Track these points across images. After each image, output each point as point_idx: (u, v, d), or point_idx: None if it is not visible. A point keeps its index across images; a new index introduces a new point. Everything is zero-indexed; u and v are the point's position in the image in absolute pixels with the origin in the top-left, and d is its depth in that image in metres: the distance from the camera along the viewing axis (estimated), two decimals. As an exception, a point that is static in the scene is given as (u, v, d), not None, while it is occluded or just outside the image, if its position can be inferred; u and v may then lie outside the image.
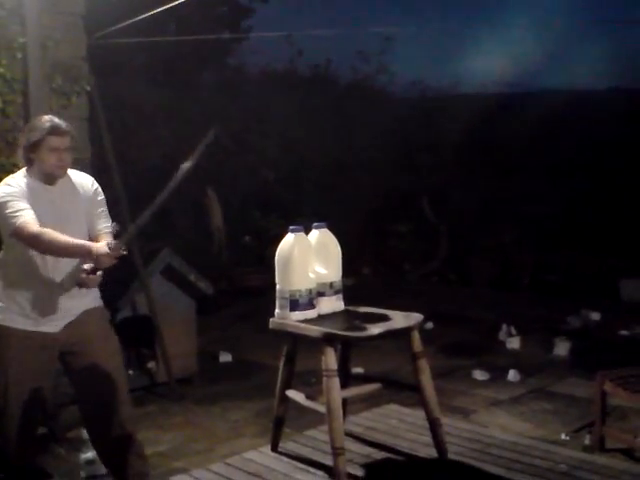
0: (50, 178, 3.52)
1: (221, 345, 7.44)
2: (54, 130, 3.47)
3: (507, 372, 6.48)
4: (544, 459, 3.73)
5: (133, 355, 6.11)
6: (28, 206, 3.40)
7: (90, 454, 4.51)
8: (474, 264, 10.26)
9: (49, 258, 3.47)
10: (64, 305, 3.55)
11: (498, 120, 10.88)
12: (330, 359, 3.34)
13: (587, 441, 4.96)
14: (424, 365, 3.60)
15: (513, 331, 7.65)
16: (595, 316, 8.22)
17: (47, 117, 3.58)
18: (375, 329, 3.45)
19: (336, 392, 3.33)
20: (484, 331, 7.91)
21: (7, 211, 3.39)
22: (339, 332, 3.44)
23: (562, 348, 7.14)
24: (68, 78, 5.26)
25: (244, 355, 7.25)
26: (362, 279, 10.35)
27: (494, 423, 5.40)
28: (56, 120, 3.54)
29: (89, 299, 3.66)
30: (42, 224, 3.37)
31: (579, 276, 9.33)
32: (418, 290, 9.63)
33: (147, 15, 6.33)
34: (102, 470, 4.23)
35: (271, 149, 9.90)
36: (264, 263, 9.82)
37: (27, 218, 3.37)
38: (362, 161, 10.75)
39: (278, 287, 3.63)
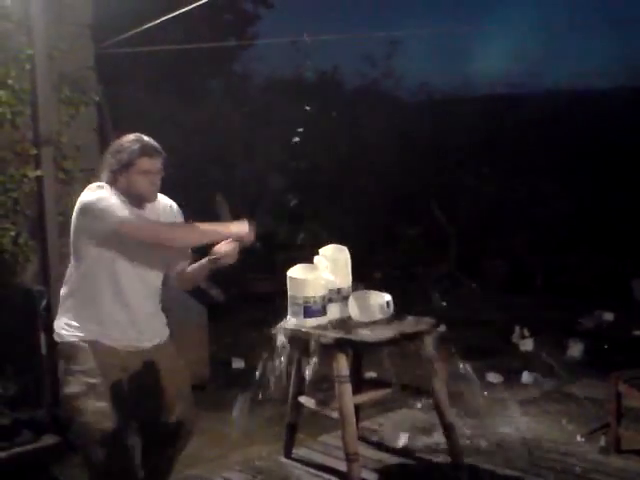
0: (138, 201, 3.24)
1: (233, 351, 7.41)
2: (146, 151, 3.18)
3: (521, 374, 6.43)
4: (559, 461, 3.71)
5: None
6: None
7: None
8: (485, 266, 10.22)
9: (128, 278, 3.22)
10: (144, 327, 3.30)
11: (506, 121, 10.85)
12: (342, 365, 3.34)
13: (603, 443, 4.89)
14: (437, 370, 3.59)
15: (526, 333, 7.59)
16: (608, 316, 8.15)
17: (135, 136, 3.25)
18: (387, 334, 3.44)
19: (348, 398, 3.32)
20: (497, 334, 7.86)
21: (106, 205, 3.08)
22: (351, 337, 3.43)
23: (576, 349, 7.08)
24: (76, 88, 5.26)
25: (256, 361, 7.21)
26: (373, 284, 10.32)
27: (508, 426, 5.36)
28: (146, 139, 3.23)
29: (163, 326, 3.47)
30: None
31: (591, 277, 9.28)
32: (429, 293, 9.59)
33: (153, 24, 6.34)
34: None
35: (279, 155, 9.90)
36: (274, 269, 9.84)
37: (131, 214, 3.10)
38: (371, 165, 10.74)
39: (291, 293, 3.62)
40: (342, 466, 3.49)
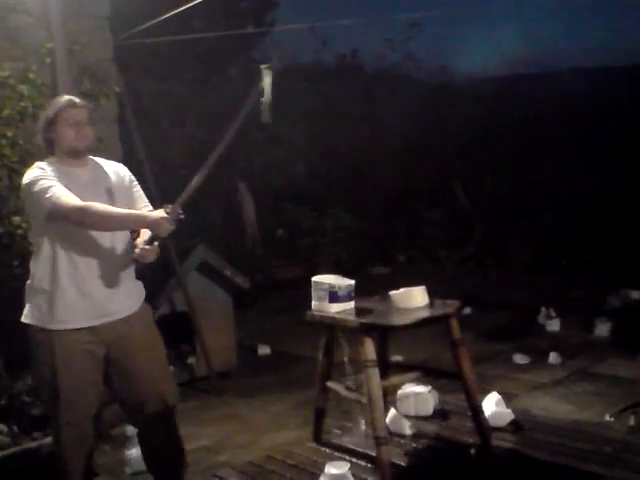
0: (74, 154, 3.36)
1: (259, 338, 7.45)
2: (69, 103, 3.35)
3: (548, 355, 6.38)
4: (588, 442, 3.69)
5: (173, 352, 6.15)
6: (59, 183, 3.21)
7: (135, 450, 4.52)
8: (510, 247, 10.16)
9: (82, 258, 3.31)
10: (104, 304, 3.37)
11: (528, 101, 10.74)
12: (369, 349, 3.34)
13: (632, 422, 4.87)
14: (464, 352, 3.59)
15: (552, 313, 7.54)
16: (635, 295, 8.08)
17: (63, 95, 3.51)
18: (413, 317, 3.44)
19: (376, 382, 3.33)
20: (523, 315, 7.82)
21: (37, 189, 3.20)
22: (377, 321, 3.44)
23: (603, 329, 7.03)
24: (96, 81, 5.28)
25: (282, 347, 7.26)
26: (397, 267, 10.32)
27: (536, 406, 5.33)
28: (71, 96, 3.45)
29: (133, 298, 3.51)
30: None
31: (617, 255, 9.19)
32: (454, 276, 9.58)
33: (171, 14, 6.34)
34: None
35: (300, 141, 9.88)
36: (297, 255, 9.86)
37: (63, 192, 3.18)
38: (392, 149, 10.69)
39: (316, 280, 3.63)
40: (371, 450, 3.50)
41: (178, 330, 6.07)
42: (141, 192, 3.59)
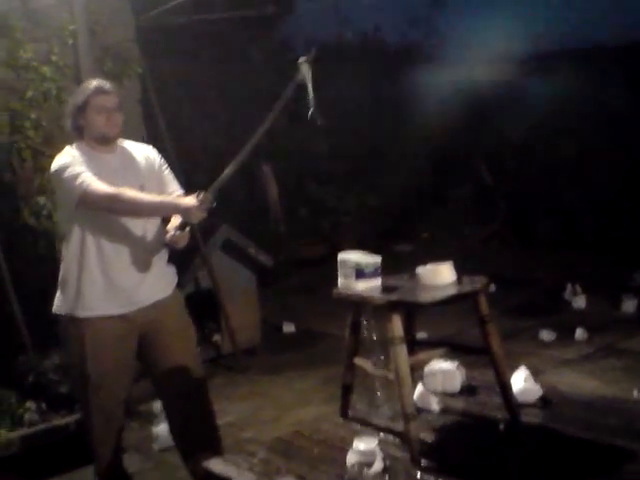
0: (104, 141, 3.33)
1: (283, 316, 7.47)
2: (99, 89, 3.31)
3: (574, 331, 6.36)
4: (619, 417, 3.66)
5: (199, 330, 6.19)
6: (88, 170, 3.19)
7: (162, 426, 4.56)
8: (534, 224, 10.08)
9: (111, 245, 3.29)
10: (133, 292, 3.36)
11: (550, 78, 10.59)
12: (396, 326, 3.32)
13: (661, 398, 4.85)
14: (492, 329, 3.56)
15: (578, 290, 7.50)
16: (662, 271, 8.01)
17: (91, 80, 3.43)
18: (441, 294, 3.42)
19: (404, 359, 3.31)
20: (548, 292, 7.78)
21: (67, 176, 3.18)
22: (404, 298, 3.42)
23: (629, 305, 6.98)
24: (119, 61, 5.30)
25: (306, 325, 7.28)
26: (421, 245, 10.29)
27: (563, 383, 5.29)
28: (101, 81, 3.39)
29: (163, 284, 3.48)
30: None
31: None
32: (479, 254, 9.53)
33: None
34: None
35: (322, 120, 9.81)
36: (320, 234, 9.86)
37: (93, 179, 3.15)
38: (416, 127, 10.62)
39: (342, 257, 3.61)
40: (399, 426, 3.50)
41: (204, 308, 6.11)
42: (171, 176, 3.56)
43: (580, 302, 7.29)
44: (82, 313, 3.32)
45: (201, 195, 3.15)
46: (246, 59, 9.85)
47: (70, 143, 3.38)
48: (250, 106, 8.97)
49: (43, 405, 4.50)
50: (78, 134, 3.36)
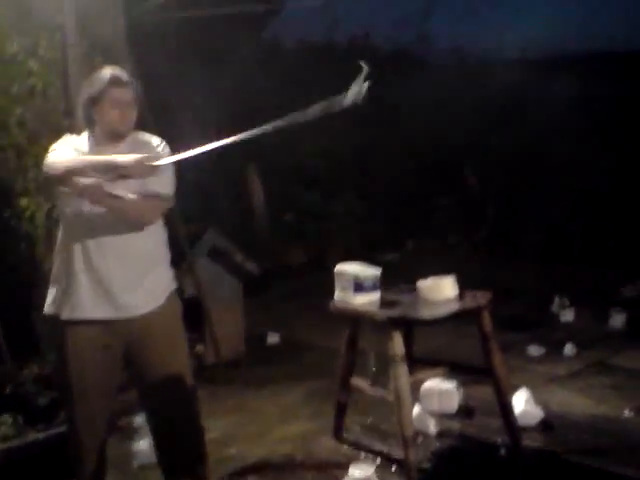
0: (114, 136, 3.16)
1: (267, 326, 7.29)
2: (116, 81, 3.12)
3: (563, 346, 6.26)
4: (611, 437, 3.57)
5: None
6: (67, 151, 3.10)
7: (142, 442, 4.40)
8: (522, 235, 10.02)
9: (95, 244, 3.13)
10: (120, 296, 3.18)
11: (539, 85, 10.57)
12: (397, 344, 3.19)
13: (655, 417, 4.76)
14: (495, 347, 3.45)
15: (566, 303, 7.41)
16: (649, 285, 7.97)
17: (108, 68, 3.20)
18: (443, 310, 3.29)
19: (405, 379, 3.18)
20: (536, 304, 7.67)
21: (47, 158, 3.10)
22: (405, 315, 3.28)
23: (618, 319, 6.90)
24: (108, 58, 5.11)
25: (291, 335, 7.12)
26: (407, 253, 10.18)
27: (554, 400, 5.20)
28: (118, 71, 3.17)
29: (158, 292, 3.27)
30: None
31: (630, 244, 9.05)
32: (465, 263, 9.42)
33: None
34: (155, 458, 4.12)
35: (310, 124, 9.73)
36: (306, 240, 9.73)
37: (58, 156, 3.07)
38: (402, 132, 10.54)
39: (339, 269, 3.47)
40: (396, 450, 3.36)
41: (187, 316, 5.92)
42: (162, 174, 3.24)
43: (568, 315, 7.20)
44: (67, 314, 3.18)
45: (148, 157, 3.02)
46: (234, 58, 9.72)
47: (54, 142, 3.23)
48: (237, 106, 8.87)
49: (20, 418, 4.31)
50: (89, 126, 3.20)
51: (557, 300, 7.47)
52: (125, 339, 3.25)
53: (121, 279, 3.18)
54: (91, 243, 3.14)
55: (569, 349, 6.23)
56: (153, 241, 3.27)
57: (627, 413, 4.91)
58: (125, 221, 3.15)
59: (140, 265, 3.21)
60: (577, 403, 5.15)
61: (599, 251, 9.10)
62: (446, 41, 12.34)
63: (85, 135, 3.21)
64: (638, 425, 4.39)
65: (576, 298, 7.47)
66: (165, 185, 3.24)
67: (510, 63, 11.06)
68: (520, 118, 10.14)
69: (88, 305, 3.16)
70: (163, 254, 3.32)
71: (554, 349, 6.26)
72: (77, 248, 3.15)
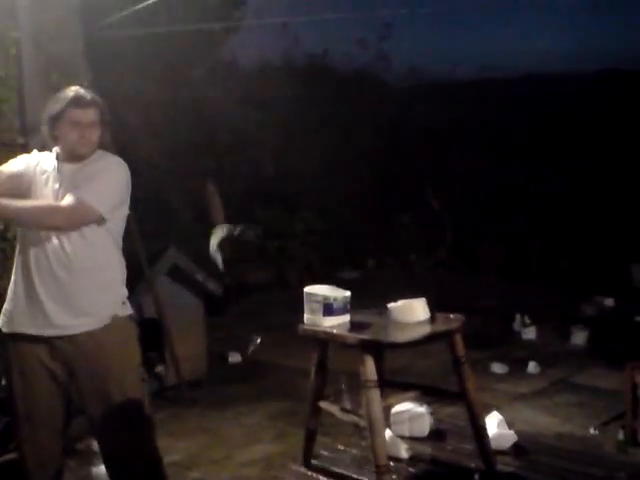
0: (72, 157, 3.11)
1: (228, 345, 7.18)
2: (76, 101, 3.06)
3: (526, 364, 6.26)
4: (599, 467, 3.52)
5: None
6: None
7: (102, 467, 4.24)
8: (481, 252, 10.06)
9: (32, 260, 3.07)
10: (55, 314, 3.06)
11: (498, 105, 10.68)
12: (369, 369, 3.11)
13: (620, 436, 4.74)
14: (468, 371, 3.38)
15: (527, 321, 7.43)
16: (609, 302, 8.02)
17: (73, 87, 3.16)
18: (416, 333, 3.23)
19: (378, 404, 3.10)
20: (497, 321, 7.68)
21: None
22: (377, 338, 3.21)
23: (579, 337, 6.94)
24: (65, 74, 4.98)
25: (253, 355, 7.02)
26: (367, 271, 10.15)
27: (519, 419, 5.16)
28: (81, 91, 3.11)
29: (101, 313, 3.11)
30: None
31: (589, 261, 9.14)
32: (424, 281, 9.40)
33: (141, 6, 6.11)
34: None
35: (269, 142, 9.68)
36: (266, 258, 9.64)
37: None
38: (362, 151, 10.54)
39: (309, 290, 3.38)
40: (368, 477, 3.27)
41: (147, 337, 5.77)
42: (96, 186, 3.11)
43: (530, 333, 7.21)
44: (6, 327, 3.15)
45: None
46: (191, 76, 9.63)
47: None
48: (194, 124, 8.79)
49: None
50: (54, 143, 3.17)
51: (518, 318, 7.48)
52: (65, 360, 3.12)
53: (55, 296, 3.07)
54: (31, 258, 3.09)
55: (532, 367, 6.22)
56: (94, 257, 3.12)
57: (592, 431, 4.90)
58: (35, 226, 3.09)
59: (78, 283, 3.08)
60: (543, 421, 5.13)
61: (556, 268, 9.18)
62: (404, 61, 12.38)
63: (55, 150, 3.18)
64: (604, 443, 4.38)
65: (537, 315, 7.50)
66: (94, 196, 3.08)
67: (468, 83, 11.16)
68: (479, 137, 10.21)
69: (25, 320, 3.10)
70: (110, 273, 3.18)
71: (517, 367, 6.26)
72: (19, 263, 3.14)
